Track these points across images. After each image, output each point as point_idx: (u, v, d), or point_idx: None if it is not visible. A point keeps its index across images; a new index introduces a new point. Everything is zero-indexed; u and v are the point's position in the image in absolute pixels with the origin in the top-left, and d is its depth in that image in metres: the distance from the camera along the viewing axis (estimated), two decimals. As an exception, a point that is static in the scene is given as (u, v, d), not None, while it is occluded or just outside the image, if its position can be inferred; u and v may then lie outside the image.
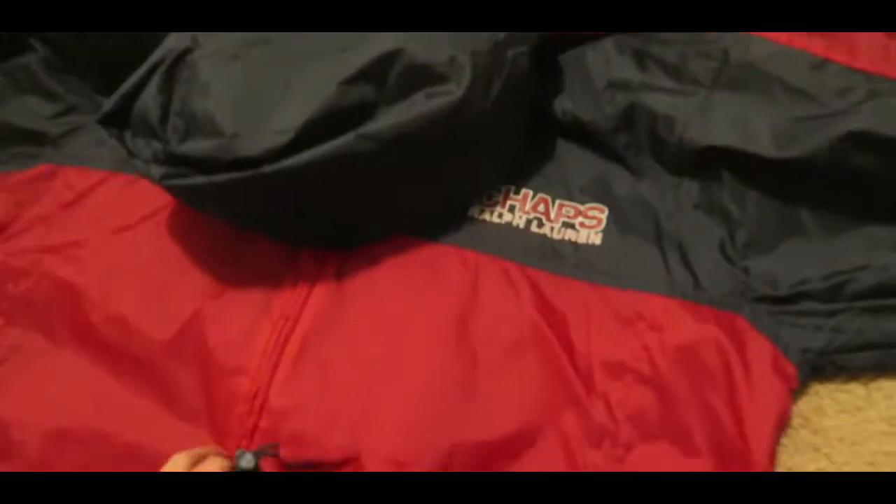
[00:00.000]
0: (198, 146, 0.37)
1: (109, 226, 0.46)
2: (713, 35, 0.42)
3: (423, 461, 0.37)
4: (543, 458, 0.37)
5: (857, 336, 0.37)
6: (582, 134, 0.44)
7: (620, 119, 0.43)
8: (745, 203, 0.40)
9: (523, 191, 0.44)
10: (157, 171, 0.38)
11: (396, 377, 0.40)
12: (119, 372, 0.42)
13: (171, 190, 0.40)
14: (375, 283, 0.42)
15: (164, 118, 0.39)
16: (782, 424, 0.37)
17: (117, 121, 0.41)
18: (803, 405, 0.39)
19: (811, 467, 0.38)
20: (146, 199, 0.46)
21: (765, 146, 0.39)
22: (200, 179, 0.37)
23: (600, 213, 0.43)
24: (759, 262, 0.39)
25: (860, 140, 0.37)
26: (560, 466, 0.37)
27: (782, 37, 0.41)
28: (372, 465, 0.37)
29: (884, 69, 0.39)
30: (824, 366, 0.38)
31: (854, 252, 0.38)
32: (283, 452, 0.38)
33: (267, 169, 0.36)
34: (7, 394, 0.42)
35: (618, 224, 0.42)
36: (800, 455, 0.38)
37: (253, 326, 0.42)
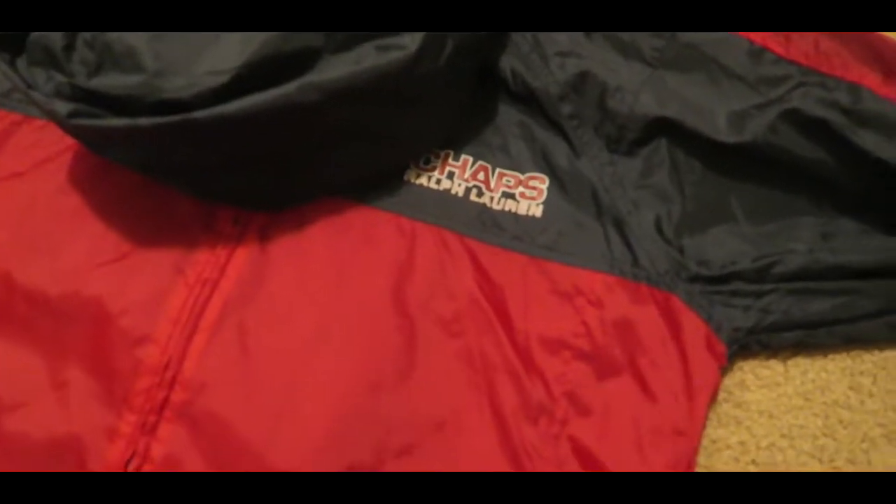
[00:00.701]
0: (114, 82, 0.32)
1: None
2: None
3: (351, 448, 0.35)
4: (477, 437, 0.36)
5: (784, 316, 0.39)
6: (526, 100, 0.43)
7: (570, 86, 0.42)
8: (683, 184, 0.41)
9: (463, 157, 0.42)
10: (62, 107, 0.32)
11: (325, 351, 0.37)
12: (2, 334, 0.36)
13: (76, 131, 0.34)
14: (304, 249, 0.40)
15: (69, 46, 0.33)
16: (713, 400, 0.39)
17: (6, 44, 0.35)
18: (727, 380, 0.40)
19: (733, 440, 0.39)
20: (41, 143, 0.40)
21: (717, 129, 0.40)
22: (119, 122, 0.32)
23: (541, 184, 0.42)
24: (692, 242, 0.40)
25: (789, 119, 0.39)
26: (494, 444, 0.36)
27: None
28: (286, 460, 0.35)
29: (814, 63, 0.41)
30: (749, 344, 0.39)
31: (780, 237, 0.40)
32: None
33: (199, 115, 0.31)
34: None
35: (559, 196, 0.41)
36: (723, 427, 0.40)
37: (164, 290, 0.38)
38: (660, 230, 0.40)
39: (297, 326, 0.38)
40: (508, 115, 0.43)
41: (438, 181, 0.42)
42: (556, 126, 0.42)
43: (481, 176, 0.42)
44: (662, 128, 0.41)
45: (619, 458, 0.36)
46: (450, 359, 0.37)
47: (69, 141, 0.39)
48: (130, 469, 0.35)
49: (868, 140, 0.38)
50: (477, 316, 0.38)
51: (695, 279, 0.39)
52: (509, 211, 0.41)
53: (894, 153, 0.38)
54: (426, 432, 0.36)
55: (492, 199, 0.41)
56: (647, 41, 0.42)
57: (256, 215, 0.40)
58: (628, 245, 0.40)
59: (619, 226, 0.40)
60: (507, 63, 0.43)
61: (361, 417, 0.36)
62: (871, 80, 0.39)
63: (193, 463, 0.35)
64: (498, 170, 0.42)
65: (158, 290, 0.38)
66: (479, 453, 0.36)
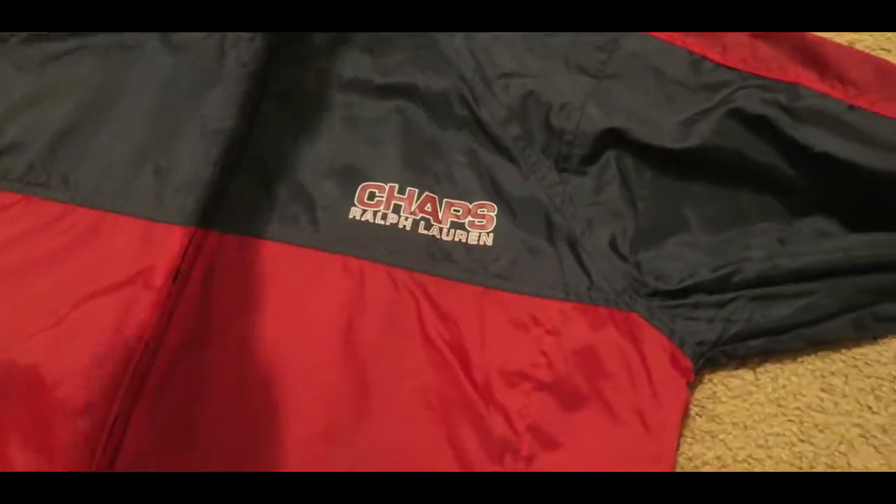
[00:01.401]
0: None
1: None
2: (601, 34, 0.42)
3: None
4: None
5: (747, 325, 0.38)
6: (470, 125, 0.42)
7: (515, 108, 0.41)
8: (635, 199, 0.40)
9: (408, 189, 0.41)
10: None
11: (275, 405, 0.36)
12: None
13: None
14: (248, 299, 0.38)
15: None
16: (684, 416, 0.37)
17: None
18: (698, 393, 0.39)
19: (710, 455, 0.38)
20: None
21: (663, 136, 0.39)
22: None
23: (490, 212, 0.41)
24: (648, 256, 0.39)
25: (734, 118, 0.39)
26: None
27: (662, 35, 0.41)
28: None
29: (752, 68, 0.40)
30: (716, 356, 0.38)
31: (736, 245, 0.39)
32: None
33: None
34: None
35: (509, 222, 0.40)
36: (698, 444, 0.38)
37: (102, 355, 0.36)
38: (614, 248, 0.39)
39: (244, 384, 0.36)
40: (453, 141, 0.42)
41: (384, 216, 0.40)
42: (502, 150, 0.41)
43: (428, 207, 0.41)
44: (610, 141, 0.40)
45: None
46: (406, 400, 0.36)
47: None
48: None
49: (810, 135, 0.38)
50: (432, 353, 0.37)
51: (654, 294, 0.38)
52: (459, 241, 0.40)
53: (837, 146, 0.38)
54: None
55: (441, 230, 0.40)
56: (590, 54, 0.42)
57: (198, 268, 0.38)
58: (583, 266, 0.39)
59: (573, 246, 0.39)
60: (451, 88, 0.42)
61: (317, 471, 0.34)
62: (807, 78, 0.39)
63: None
64: (445, 200, 0.41)
65: (97, 355, 0.36)
66: None
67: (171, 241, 0.38)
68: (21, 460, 0.35)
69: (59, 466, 0.34)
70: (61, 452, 0.34)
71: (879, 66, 0.40)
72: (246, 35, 0.42)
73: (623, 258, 0.39)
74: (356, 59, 0.44)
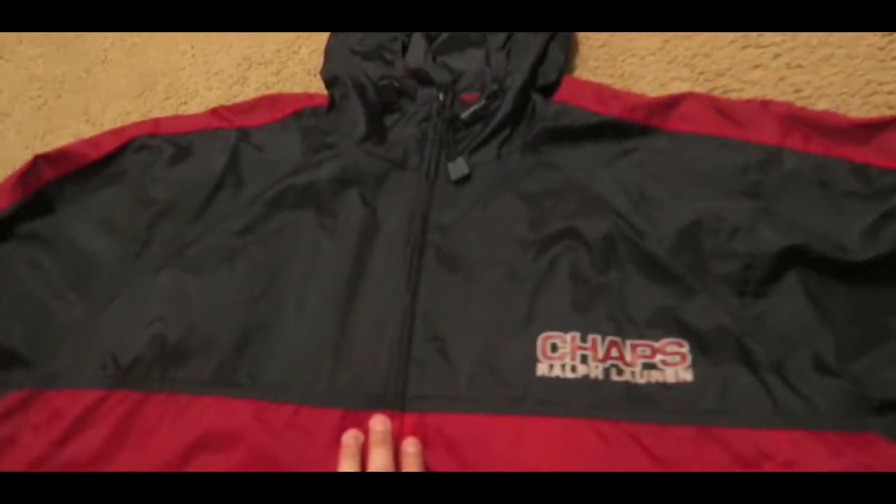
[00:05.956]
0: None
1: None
2: (750, 153, 0.42)
3: None
4: None
5: None
6: (636, 260, 0.42)
7: (684, 237, 0.41)
8: (828, 314, 0.39)
9: (590, 337, 0.40)
10: None
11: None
12: None
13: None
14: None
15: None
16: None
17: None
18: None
19: None
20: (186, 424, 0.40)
21: (847, 248, 0.38)
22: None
23: (680, 348, 0.39)
24: (861, 368, 0.37)
25: None
26: None
27: (818, 148, 0.41)
28: None
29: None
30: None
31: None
32: None
33: None
34: None
35: (703, 356, 0.39)
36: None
37: None
38: (822, 366, 0.37)
39: None
40: (623, 279, 0.42)
41: (574, 368, 0.40)
42: (676, 280, 0.41)
43: (614, 352, 0.40)
44: (789, 260, 0.40)
45: None
46: None
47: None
48: None
49: None
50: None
51: (884, 408, 0.36)
52: (657, 382, 0.39)
53: None
54: None
55: (633, 373, 0.39)
56: (742, 176, 0.42)
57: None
58: (795, 391, 0.37)
59: (778, 371, 0.38)
60: (611, 227, 0.43)
61: None
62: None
63: None
64: (629, 342, 0.40)
65: None
66: None
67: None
68: None
69: None
70: None
71: None
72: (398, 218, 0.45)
73: (835, 375, 0.37)
74: (513, 212, 0.45)
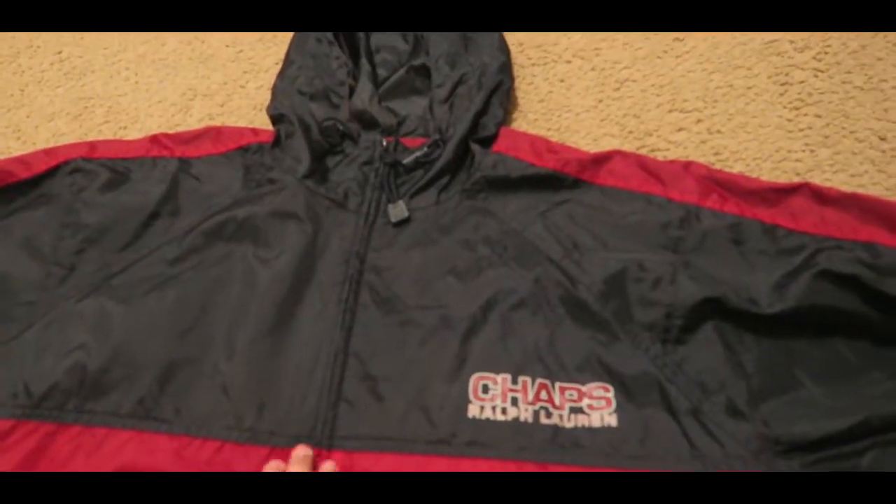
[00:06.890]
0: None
1: None
2: (672, 211, 0.45)
3: None
4: None
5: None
6: (566, 303, 0.44)
7: (610, 285, 0.43)
8: (742, 363, 0.41)
9: (520, 379, 0.42)
10: None
11: None
12: None
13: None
14: None
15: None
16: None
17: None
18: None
19: None
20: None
21: (758, 301, 0.41)
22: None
23: (606, 392, 0.41)
24: (770, 412, 0.40)
25: (824, 278, 0.41)
26: None
27: (732, 209, 0.45)
28: None
29: (822, 231, 0.43)
30: None
31: (853, 394, 0.40)
32: None
33: None
34: None
35: (627, 401, 0.41)
36: None
37: None
38: (734, 410, 0.40)
39: None
40: (552, 324, 0.44)
41: (504, 410, 0.41)
42: (603, 325, 0.43)
43: (544, 395, 0.41)
44: (707, 310, 0.42)
45: None
46: None
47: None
48: None
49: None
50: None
51: (789, 451, 0.38)
52: (583, 426, 0.40)
53: None
54: None
55: (561, 416, 0.40)
56: (664, 231, 0.45)
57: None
58: (711, 434, 0.39)
59: (696, 415, 0.40)
60: (542, 274, 0.45)
61: None
62: (880, 236, 0.42)
63: None
64: (558, 384, 0.42)
65: None
66: None
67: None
68: None
69: None
70: None
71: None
72: (334, 257, 0.46)
73: (746, 419, 0.39)
74: (449, 256, 0.47)
